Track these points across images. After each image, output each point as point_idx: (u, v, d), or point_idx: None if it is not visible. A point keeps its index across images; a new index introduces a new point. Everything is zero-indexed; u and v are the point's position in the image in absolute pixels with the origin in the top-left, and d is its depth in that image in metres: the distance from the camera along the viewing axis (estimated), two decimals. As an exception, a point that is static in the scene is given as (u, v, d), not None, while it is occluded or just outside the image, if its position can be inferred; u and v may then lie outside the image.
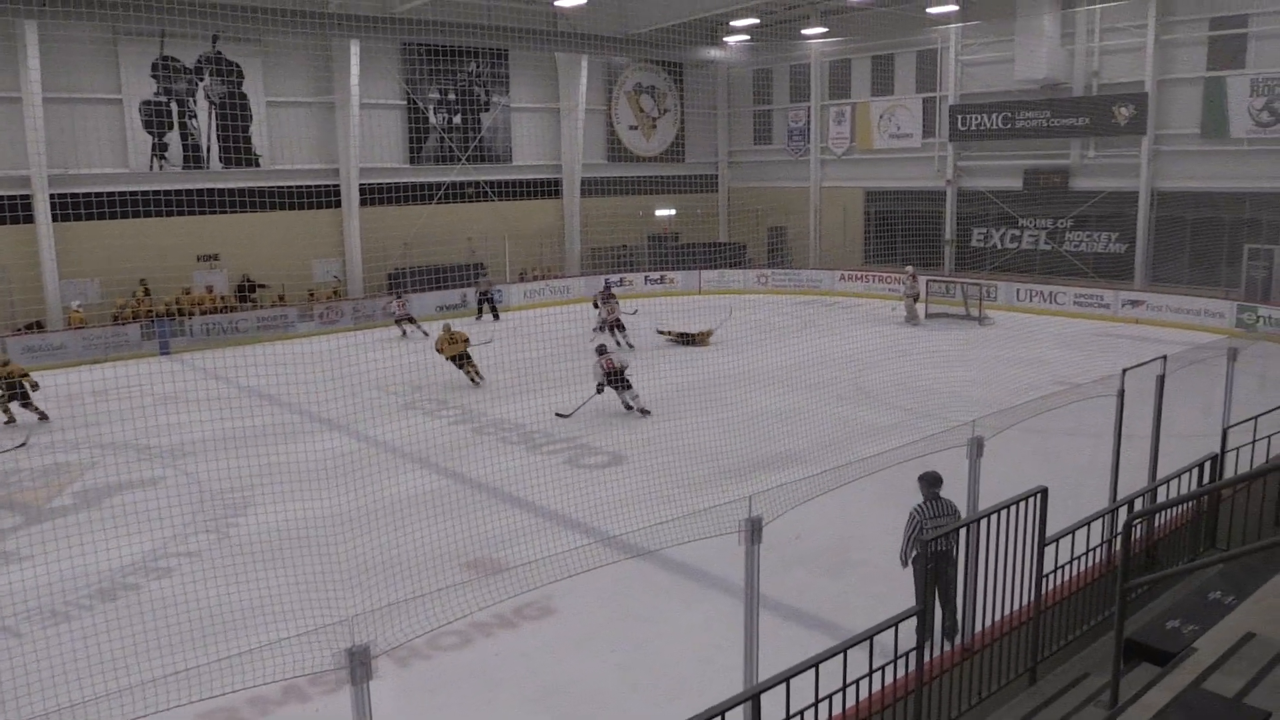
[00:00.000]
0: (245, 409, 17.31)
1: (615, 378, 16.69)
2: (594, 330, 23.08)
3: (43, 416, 17.44)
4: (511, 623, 9.01)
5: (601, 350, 17.21)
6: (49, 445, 15.72)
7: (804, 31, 33.64)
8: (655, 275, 33.34)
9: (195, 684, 5.31)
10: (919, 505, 8.08)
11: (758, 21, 32.72)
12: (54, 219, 24.36)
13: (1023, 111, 29.35)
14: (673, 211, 36.11)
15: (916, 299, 26.37)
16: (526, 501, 12.43)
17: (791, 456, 13.74)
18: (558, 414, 16.58)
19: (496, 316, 28.09)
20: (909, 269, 27.70)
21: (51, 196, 24.27)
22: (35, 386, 17.51)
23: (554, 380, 17.98)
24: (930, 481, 8.07)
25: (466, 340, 19.72)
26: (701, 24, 31.66)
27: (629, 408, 16.69)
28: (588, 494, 12.20)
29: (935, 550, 7.36)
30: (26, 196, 24.10)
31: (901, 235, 32.63)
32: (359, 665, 4.60)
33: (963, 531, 6.90)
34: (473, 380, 19.40)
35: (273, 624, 8.39)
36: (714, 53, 35.32)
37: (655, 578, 9.79)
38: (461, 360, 19.49)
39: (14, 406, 17.42)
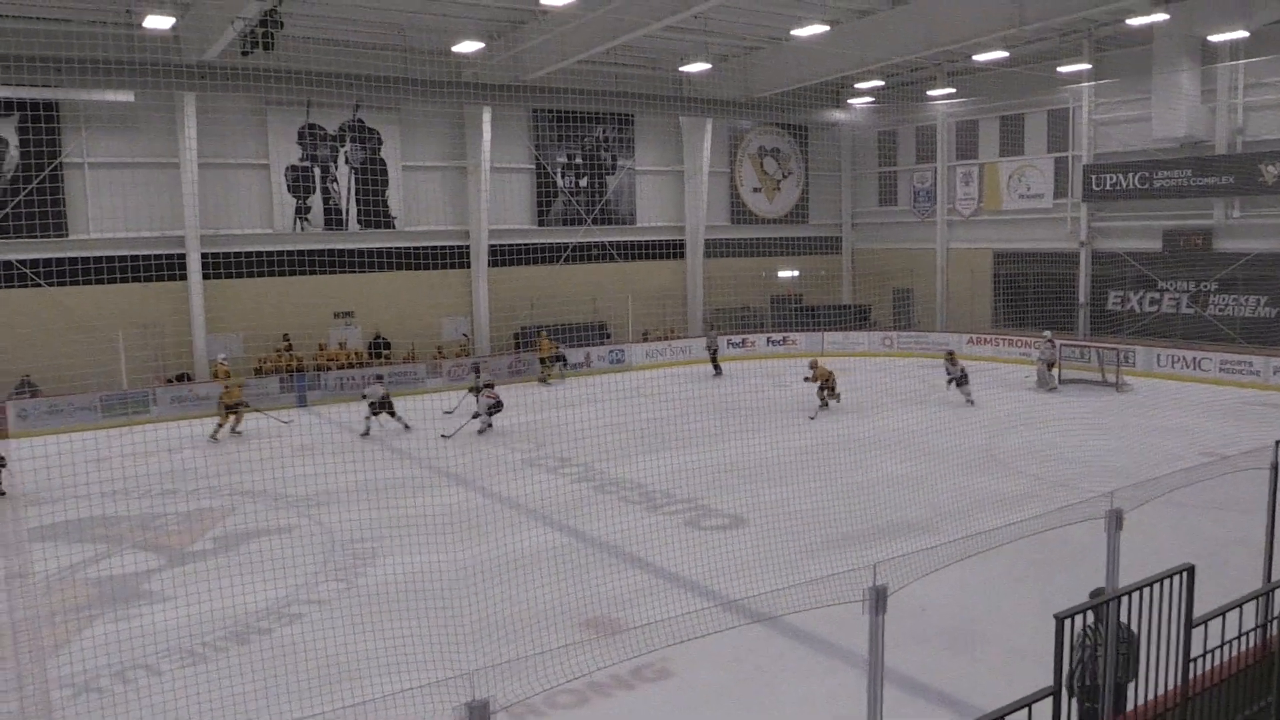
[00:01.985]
0: (374, 461, 17.85)
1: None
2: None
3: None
4: (629, 684, 8.94)
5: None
6: (193, 491, 16.44)
7: (929, 93, 33.41)
8: (778, 337, 33.18)
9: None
10: (1089, 627, 6.47)
11: (882, 84, 32.68)
12: (204, 276, 25.81)
13: (1161, 171, 28.34)
14: (796, 273, 36.00)
15: (1052, 365, 25.50)
16: (645, 561, 12.39)
17: (916, 525, 13.37)
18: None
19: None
20: (1046, 334, 26.78)
21: (203, 255, 25.76)
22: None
23: (675, 440, 18.01)
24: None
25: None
26: (825, 87, 31.75)
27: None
28: (707, 556, 12.10)
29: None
30: (180, 255, 25.62)
31: (1032, 298, 31.74)
32: (479, 720, 4.64)
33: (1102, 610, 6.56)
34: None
35: (394, 674, 8.52)
36: (838, 115, 35.33)
37: (776, 644, 9.60)
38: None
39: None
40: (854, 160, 38.60)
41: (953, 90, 32.99)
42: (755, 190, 36.69)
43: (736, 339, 31.80)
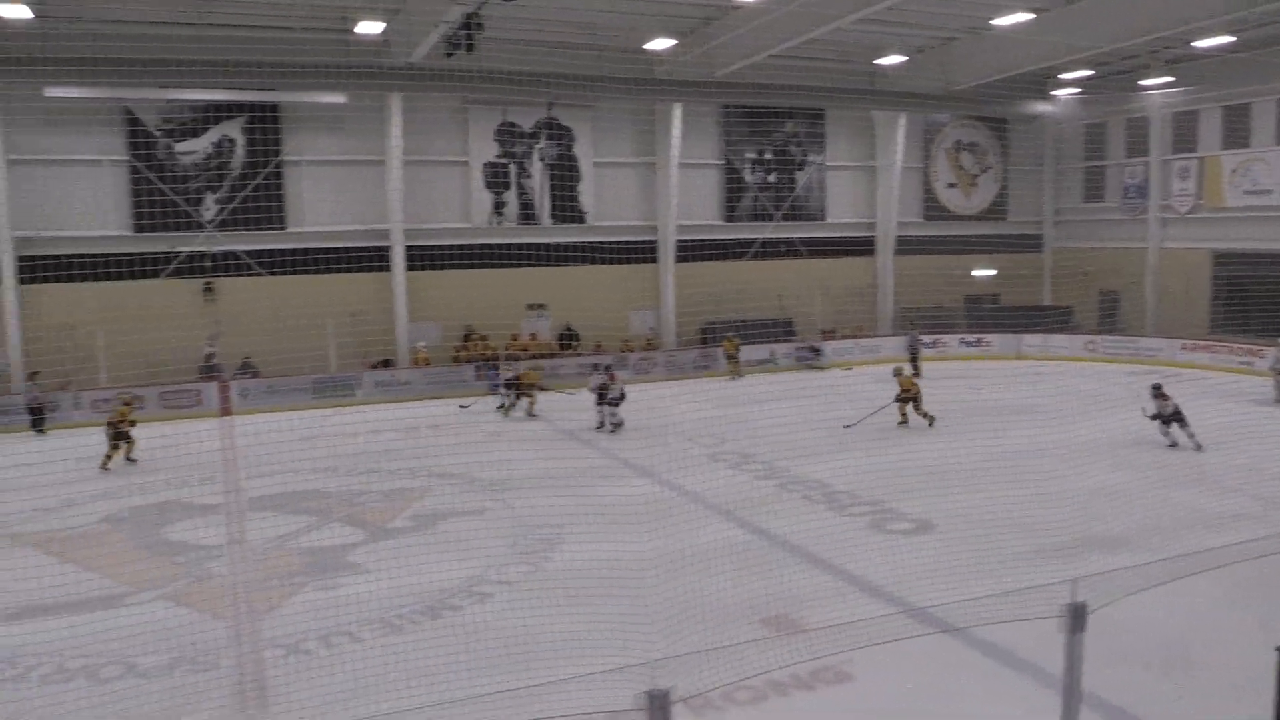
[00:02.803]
0: (562, 449, 18.33)
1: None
2: None
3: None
4: (808, 685, 8.82)
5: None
6: (393, 472, 17.31)
7: (1143, 82, 31.38)
8: (972, 338, 32.00)
9: (505, 708, 5.61)
10: None
11: (1091, 73, 30.93)
12: (407, 268, 27.17)
13: None
14: (992, 272, 34.61)
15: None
16: (827, 562, 12.20)
17: (1118, 540, 12.61)
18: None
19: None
20: None
21: (406, 248, 27.12)
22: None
23: (861, 440, 17.68)
24: None
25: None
26: (1028, 78, 30.35)
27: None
28: (892, 560, 11.81)
29: None
30: (385, 248, 27.06)
31: (1257, 303, 29.32)
32: (658, 710, 4.68)
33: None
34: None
35: (576, 658, 8.70)
36: (1042, 107, 33.71)
37: (963, 656, 9.25)
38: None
39: None
40: (1057, 154, 36.73)
41: (1170, 79, 30.84)
42: (950, 186, 35.49)
43: (928, 339, 30.84)
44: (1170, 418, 18.39)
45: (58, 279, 23.47)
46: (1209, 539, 10.49)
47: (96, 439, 18.40)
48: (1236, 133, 30.84)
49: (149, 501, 15.44)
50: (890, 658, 8.19)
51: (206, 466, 17.63)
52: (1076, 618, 5.36)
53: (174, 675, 9.15)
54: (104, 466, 18.30)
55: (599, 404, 20.82)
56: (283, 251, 26.18)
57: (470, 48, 22.53)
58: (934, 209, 35.18)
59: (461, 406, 22.85)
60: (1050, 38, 25.61)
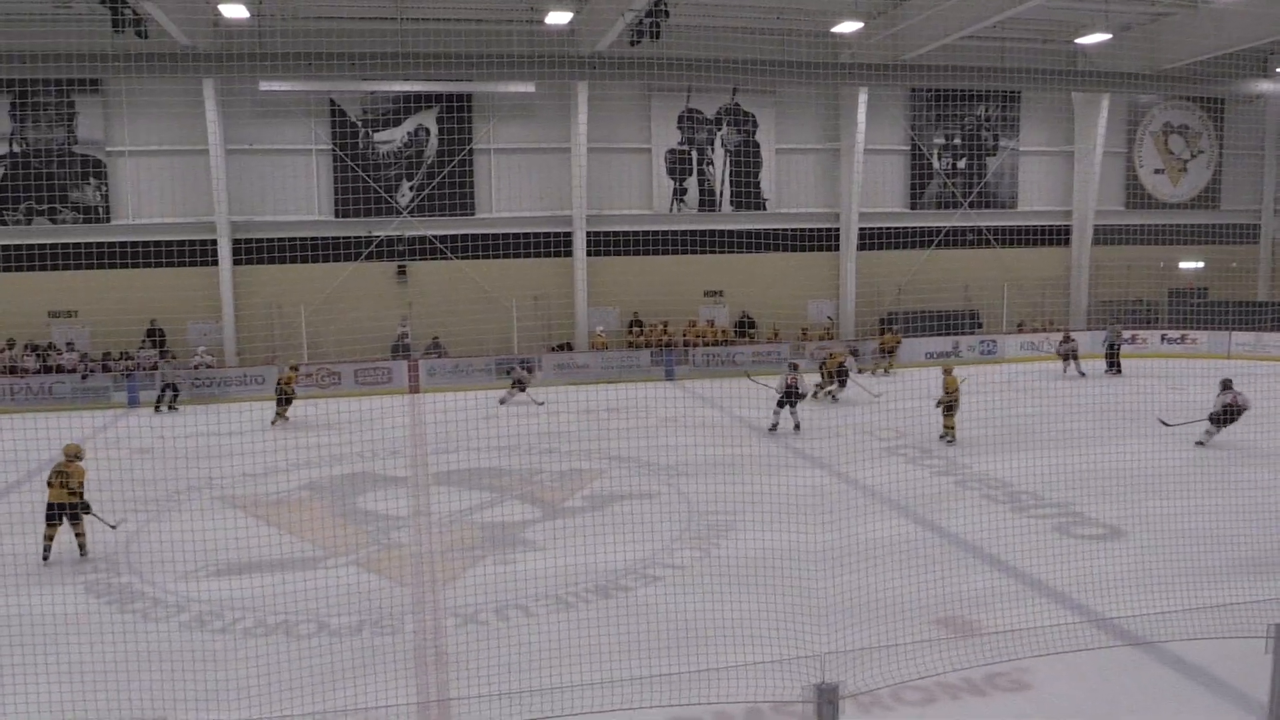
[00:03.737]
0: (735, 437, 18.30)
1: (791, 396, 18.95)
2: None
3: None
4: (980, 690, 8.49)
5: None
6: (569, 452, 17.71)
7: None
8: (1175, 334, 30.02)
9: (673, 690, 5.66)
10: None
11: (1323, 48, 28.41)
12: (588, 254, 27.70)
13: None
14: (1200, 264, 32.33)
15: None
16: (1007, 564, 11.72)
17: (1337, 557, 11.59)
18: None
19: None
20: None
21: (587, 234, 27.64)
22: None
23: (1049, 439, 16.91)
24: None
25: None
26: (1249, 54, 28.12)
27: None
28: (1077, 566, 11.23)
29: None
30: (568, 233, 27.67)
31: None
32: (827, 703, 4.62)
33: None
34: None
35: (745, 646, 8.68)
36: (1264, 86, 31.16)
37: (1153, 673, 8.69)
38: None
39: None
40: (1280, 138, 33.94)
41: None
42: (1157, 172, 33.33)
43: (1127, 334, 29.11)
44: (1225, 418, 17.27)
45: (268, 260, 25.15)
46: None
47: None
48: None
49: (343, 472, 16.35)
50: (1072, 668, 7.82)
51: (396, 440, 18.65)
52: (1285, 639, 4.95)
53: (361, 635, 9.65)
54: (273, 424, 20.71)
55: (781, 406, 19.25)
56: (471, 236, 27.19)
57: (656, 35, 22.74)
58: (1138, 196, 33.13)
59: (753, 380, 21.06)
60: (1275, 10, 23.63)
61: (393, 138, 27.08)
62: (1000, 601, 10.40)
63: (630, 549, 11.83)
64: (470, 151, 27.44)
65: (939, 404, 18.31)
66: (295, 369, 22.24)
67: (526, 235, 27.39)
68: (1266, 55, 29.54)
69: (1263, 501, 13.74)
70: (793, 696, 4.67)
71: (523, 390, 22.07)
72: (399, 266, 27.14)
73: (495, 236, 27.19)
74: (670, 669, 8.20)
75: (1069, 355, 24.72)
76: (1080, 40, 27.72)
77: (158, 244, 25.17)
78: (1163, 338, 29.86)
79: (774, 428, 19.22)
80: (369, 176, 26.86)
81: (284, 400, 20.99)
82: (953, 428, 18.21)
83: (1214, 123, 33.75)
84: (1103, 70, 29.66)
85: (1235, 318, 29.85)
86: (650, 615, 10.00)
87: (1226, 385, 17.92)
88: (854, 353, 25.30)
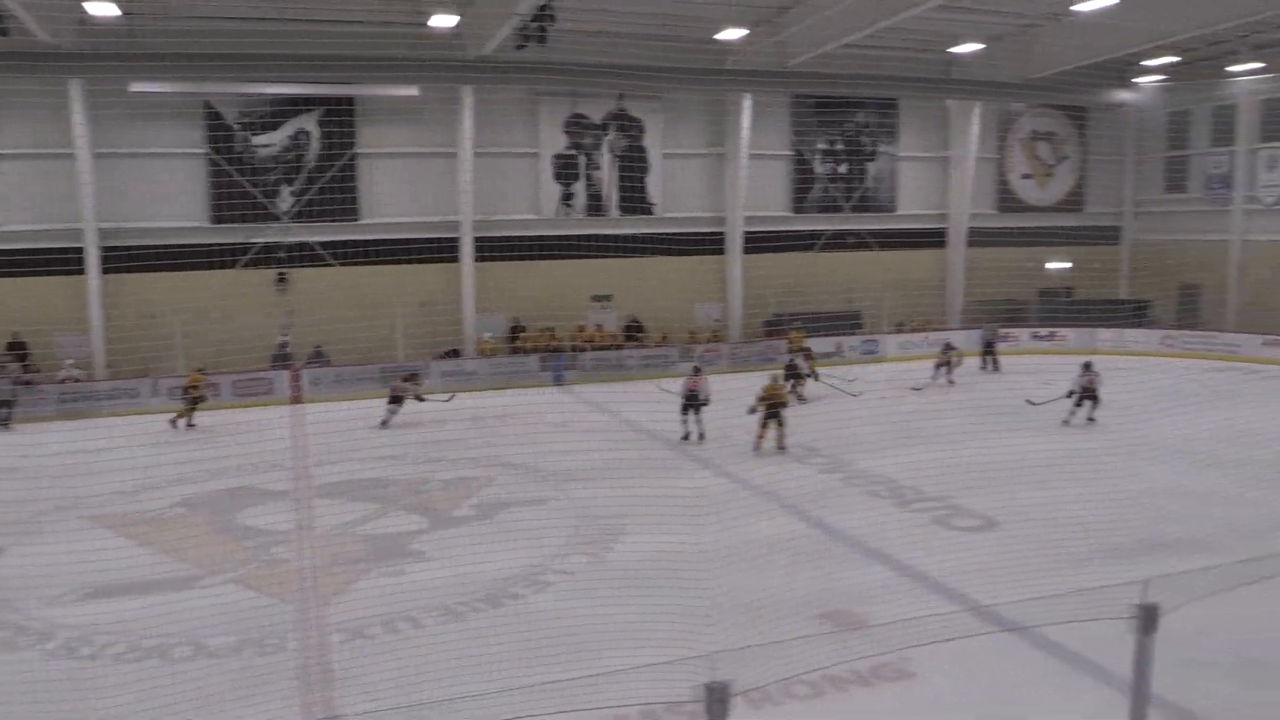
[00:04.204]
0: (625, 441, 18.34)
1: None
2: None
3: None
4: (866, 681, 8.71)
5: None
6: (457, 461, 17.49)
7: (1230, 69, 30.37)
8: (1044, 332, 31.32)
9: (565, 696, 5.62)
10: None
11: (1176, 59, 29.97)
12: (476, 259, 27.42)
13: None
14: (1067, 264, 33.80)
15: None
16: (890, 557, 12.04)
17: (1195, 542, 12.23)
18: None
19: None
20: None
21: (475, 239, 27.37)
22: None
23: (928, 435, 17.42)
24: None
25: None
26: (1110, 65, 29.52)
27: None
28: (956, 557, 11.60)
29: None
30: (454, 239, 27.35)
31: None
32: (717, 702, 4.65)
33: None
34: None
35: (637, 649, 8.68)
36: (1123, 95, 32.79)
37: (1027, 657, 9.05)
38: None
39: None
40: (1139, 144, 35.68)
41: (1259, 65, 29.79)
42: (1025, 176, 34.73)
43: (1001, 332, 30.19)
44: (1084, 395, 19.41)
45: (140, 269, 24.13)
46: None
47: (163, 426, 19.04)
48: (1329, 121, 29.71)
49: (221, 487, 15.82)
50: (953, 656, 8.05)
51: (277, 453, 18.11)
52: (1147, 619, 5.20)
53: (242, 656, 9.35)
54: (172, 423, 20.71)
55: (686, 411, 18.59)
56: (355, 242, 26.58)
57: (542, 40, 22.69)
58: (1008, 200, 34.47)
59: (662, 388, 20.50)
60: (1135, 24, 24.86)
61: (272, 141, 26.33)
62: (885, 594, 10.68)
63: (521, 556, 11.76)
64: (354, 156, 26.88)
65: (751, 410, 17.75)
66: (202, 372, 21.64)
67: (412, 241, 26.90)
68: (1126, 66, 31.06)
69: (1125, 489, 14.41)
70: (683, 697, 4.69)
71: (400, 405, 21.33)
72: (279, 273, 26.37)
73: (380, 242, 26.61)
74: (562, 675, 8.16)
75: (946, 364, 24.90)
76: (954, 50, 28.68)
77: (19, 252, 23.97)
78: (1032, 335, 31.11)
79: (685, 437, 18.63)
80: (247, 181, 26.06)
81: (191, 402, 20.74)
82: (767, 439, 17.72)
83: (1078, 130, 35.33)
84: (975, 79, 30.80)
85: (1099, 315, 31.36)
86: (542, 622, 9.95)
87: (1087, 367, 19.70)
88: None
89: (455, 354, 27.16)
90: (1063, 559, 11.51)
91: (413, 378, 22.00)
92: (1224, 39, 28.69)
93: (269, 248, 26.22)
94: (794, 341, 27.54)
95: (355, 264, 26.23)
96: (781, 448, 17.72)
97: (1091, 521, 12.60)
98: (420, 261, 26.55)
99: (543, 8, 21.83)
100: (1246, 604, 7.53)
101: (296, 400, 24.02)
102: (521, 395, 22.66)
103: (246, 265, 26.10)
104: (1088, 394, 19.46)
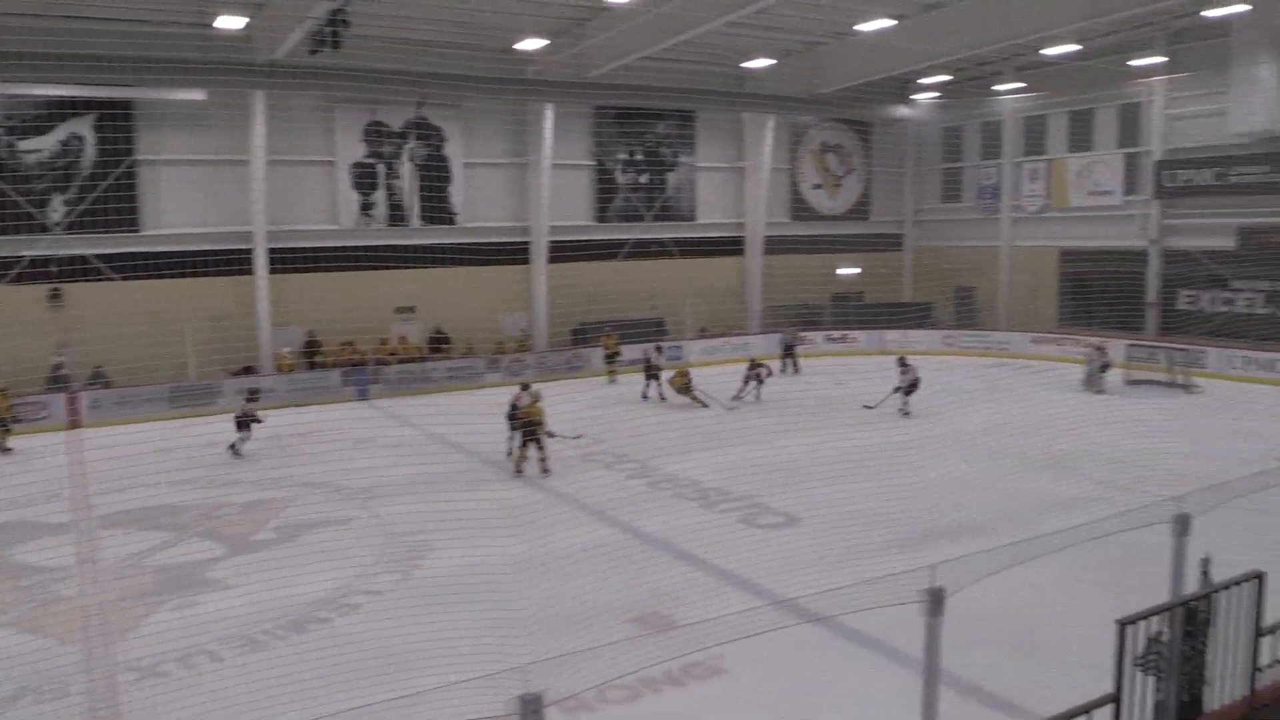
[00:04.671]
0: (432, 455, 18.04)
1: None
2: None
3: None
4: (680, 681, 8.92)
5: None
6: (256, 482, 16.74)
7: (996, 88, 32.85)
8: (837, 334, 32.89)
9: (378, 719, 5.49)
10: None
11: (949, 78, 32.17)
12: (271, 271, 26.29)
13: (1237, 166, 27.60)
14: (857, 270, 35.62)
15: (1105, 369, 24.75)
16: (698, 558, 12.35)
17: (976, 527, 13.14)
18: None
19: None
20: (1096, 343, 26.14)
21: (270, 250, 26.24)
22: None
23: (733, 437, 17.94)
24: None
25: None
26: (890, 82, 31.40)
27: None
28: (762, 554, 12.03)
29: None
30: (248, 250, 26.10)
31: (1099, 297, 30.99)
32: (531, 713, 4.65)
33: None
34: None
35: (449, 666, 8.58)
36: (903, 110, 34.89)
37: (831, 645, 9.50)
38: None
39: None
40: (918, 157, 38.07)
41: (1021, 85, 32.41)
42: (816, 187, 36.39)
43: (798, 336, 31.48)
44: (909, 389, 21.12)
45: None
46: (1059, 522, 10.99)
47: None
48: (1080, 136, 32.56)
49: (-9, 521, 14.56)
50: (761, 650, 8.35)
51: (54, 483, 16.82)
52: (935, 602, 5.54)
53: (18, 706, 8.64)
54: None
55: (514, 429, 17.17)
56: (137, 255, 24.98)
57: (337, 45, 21.98)
58: (801, 209, 36.01)
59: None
60: (911, 44, 26.51)
61: (41, 147, 24.41)
62: (695, 594, 10.95)
63: (326, 579, 11.39)
64: (134, 163, 25.26)
65: (515, 427, 17.00)
66: (3, 392, 20.25)
67: (201, 253, 25.49)
68: (904, 84, 33.06)
69: (914, 481, 15.35)
70: (497, 711, 4.66)
71: (249, 430, 19.34)
72: (52, 289, 24.45)
73: (166, 255, 25.09)
74: (373, 698, 7.95)
75: (753, 379, 25.35)
76: (747, 64, 29.73)
77: None
78: (826, 337, 32.60)
79: (509, 454, 17.46)
80: (13, 190, 24.07)
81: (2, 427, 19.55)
82: (528, 459, 17.04)
83: (863, 143, 37.33)
84: (768, 92, 32.03)
85: (886, 318, 33.29)
86: (351, 645, 9.65)
87: (903, 362, 21.53)
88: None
89: (250, 370, 25.95)
90: (859, 550, 12.13)
91: (254, 396, 20.17)
92: (990, 60, 31.03)
93: (39, 262, 24.27)
94: (608, 345, 27.83)
95: (139, 278, 24.60)
96: (545, 470, 16.80)
97: (884, 513, 13.35)
98: (211, 274, 25.19)
99: (337, 12, 21.21)
100: (1017, 583, 8.17)
101: (75, 425, 22.52)
102: (323, 412, 21.88)
103: (13, 281, 24.09)
104: (912, 388, 21.16)
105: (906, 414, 21.08)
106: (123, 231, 25.04)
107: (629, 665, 7.36)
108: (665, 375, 23.94)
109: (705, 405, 22.58)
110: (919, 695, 5.72)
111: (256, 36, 23.77)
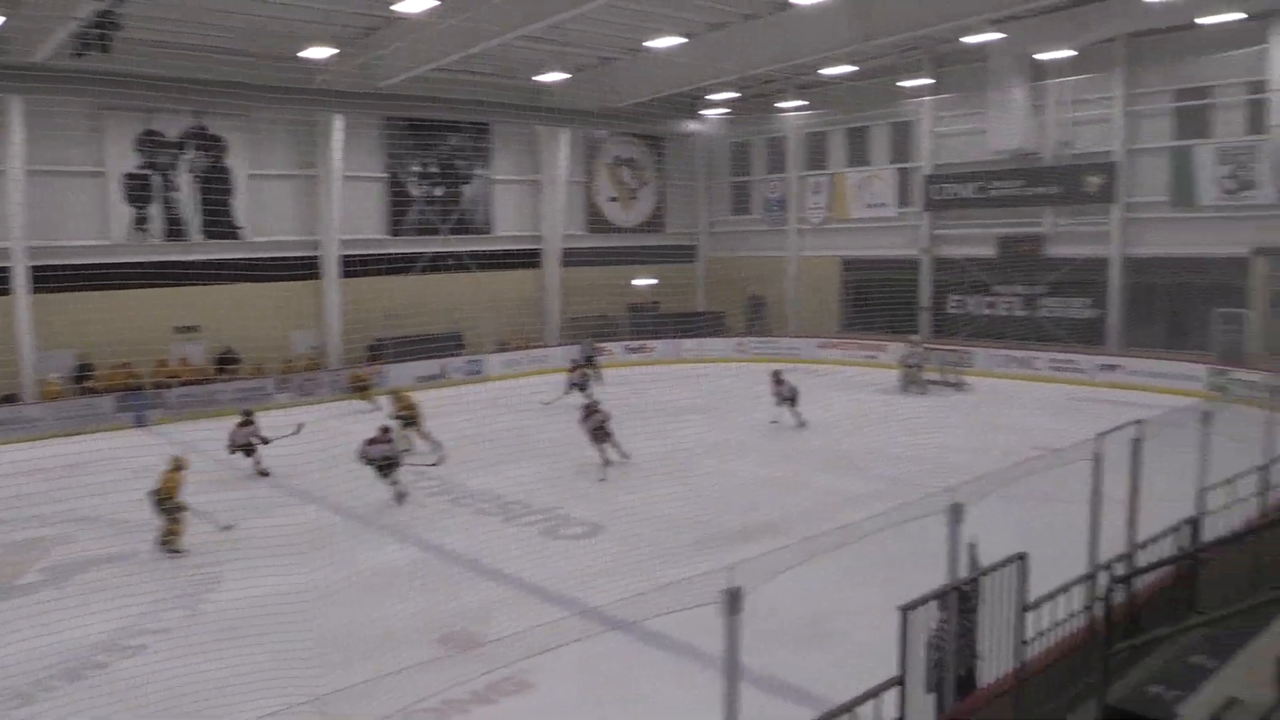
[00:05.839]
0: (220, 482, 17.13)
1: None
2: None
3: None
4: (488, 699, 8.83)
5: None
6: (23, 520, 15.40)
7: (780, 105, 34.33)
8: (635, 344, 33.44)
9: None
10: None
11: (736, 95, 33.37)
12: (33, 290, 24.26)
13: (996, 181, 29.94)
14: (653, 281, 36.33)
15: (921, 367, 26.41)
16: (502, 574, 12.27)
17: (771, 526, 13.66)
18: None
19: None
20: (914, 338, 27.82)
21: (32, 268, 24.23)
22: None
23: (532, 451, 17.92)
24: None
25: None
26: (680, 98, 32.22)
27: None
28: (566, 565, 12.07)
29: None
30: (5, 268, 24.00)
31: (878, 303, 32.89)
32: (327, 744, 4.50)
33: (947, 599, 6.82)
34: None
35: (244, 702, 8.18)
36: (693, 126, 35.91)
37: (636, 650, 9.63)
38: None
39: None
40: (709, 170, 39.26)
41: (803, 103, 34.00)
42: (611, 200, 36.90)
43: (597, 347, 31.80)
44: (789, 399, 21.34)
45: None
46: (845, 518, 11.58)
47: None
48: (858, 152, 34.47)
49: None
50: (568, 661, 8.35)
51: None
52: (733, 601, 5.69)
53: None
54: None
55: (372, 463, 15.98)
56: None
57: (105, 48, 20.57)
58: (597, 221, 36.42)
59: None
60: (699, 61, 27.31)
61: None
62: (500, 610, 10.87)
63: (105, 620, 10.61)
64: None
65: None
66: None
67: (-50, 272, 23.31)
68: (694, 99, 33.99)
69: (714, 486, 15.78)
70: (295, 744, 4.49)
71: (255, 451, 17.88)
72: None
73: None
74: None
75: (581, 384, 25.18)
76: (540, 78, 29.81)
77: None
78: (625, 348, 33.09)
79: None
80: None
81: None
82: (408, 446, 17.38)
83: (656, 156, 38.15)
84: (561, 106, 32.24)
85: (682, 327, 34.19)
86: (133, 690, 9.03)
87: (778, 375, 21.79)
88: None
89: (12, 400, 23.88)
90: (661, 554, 12.36)
91: (248, 420, 18.45)
92: (774, 79, 32.36)
93: None
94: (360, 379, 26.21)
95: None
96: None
97: (684, 517, 13.66)
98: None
99: (104, 14, 19.87)
100: (807, 578, 8.53)
101: None
102: (96, 441, 20.37)
103: None
104: (790, 398, 21.25)
105: (803, 424, 21.01)
106: None
107: (433, 687, 7.24)
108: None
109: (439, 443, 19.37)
110: (720, 692, 5.88)
111: (13, 37, 21.92)
